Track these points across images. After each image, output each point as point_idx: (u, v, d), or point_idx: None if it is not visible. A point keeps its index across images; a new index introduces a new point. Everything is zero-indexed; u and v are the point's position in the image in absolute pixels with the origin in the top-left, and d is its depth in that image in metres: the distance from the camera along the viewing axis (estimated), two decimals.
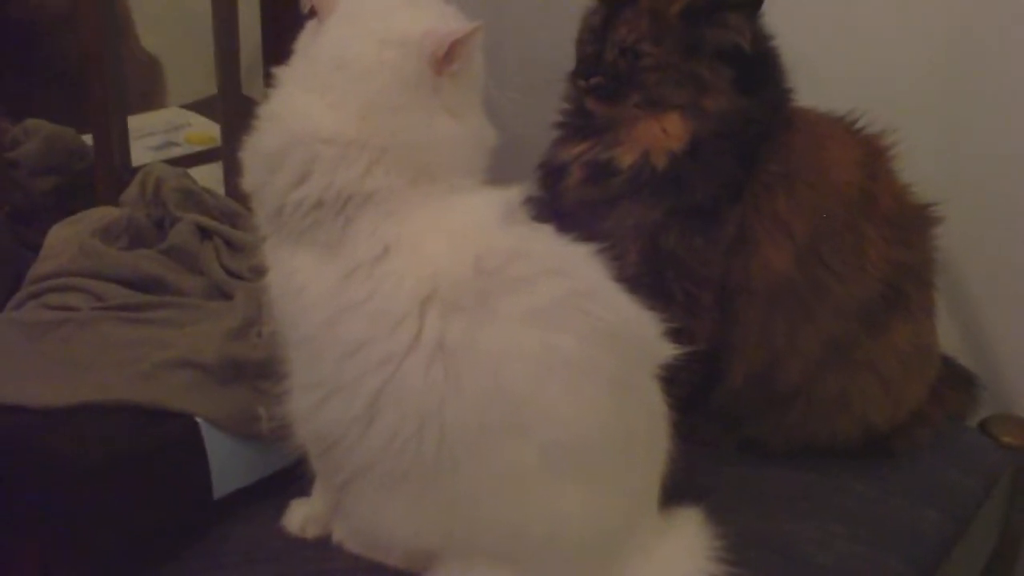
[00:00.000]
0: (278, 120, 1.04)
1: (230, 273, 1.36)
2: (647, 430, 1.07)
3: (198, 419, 1.16)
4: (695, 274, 1.29)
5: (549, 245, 1.05)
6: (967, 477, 1.39)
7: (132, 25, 2.16)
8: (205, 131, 2.11)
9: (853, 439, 1.36)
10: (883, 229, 1.31)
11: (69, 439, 1.12)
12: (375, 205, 1.02)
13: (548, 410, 0.99)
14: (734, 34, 1.26)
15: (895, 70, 1.62)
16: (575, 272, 1.03)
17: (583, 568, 1.06)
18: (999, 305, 1.61)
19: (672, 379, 1.09)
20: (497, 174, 1.08)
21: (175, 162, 1.68)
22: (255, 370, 1.19)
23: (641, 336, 1.06)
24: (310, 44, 1.06)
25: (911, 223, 1.35)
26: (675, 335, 1.08)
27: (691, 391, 1.26)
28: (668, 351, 1.07)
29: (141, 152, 1.95)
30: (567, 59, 1.36)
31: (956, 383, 1.51)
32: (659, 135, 1.29)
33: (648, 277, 1.26)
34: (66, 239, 1.36)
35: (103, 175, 1.62)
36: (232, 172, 1.33)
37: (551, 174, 1.37)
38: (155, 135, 2.11)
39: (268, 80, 1.10)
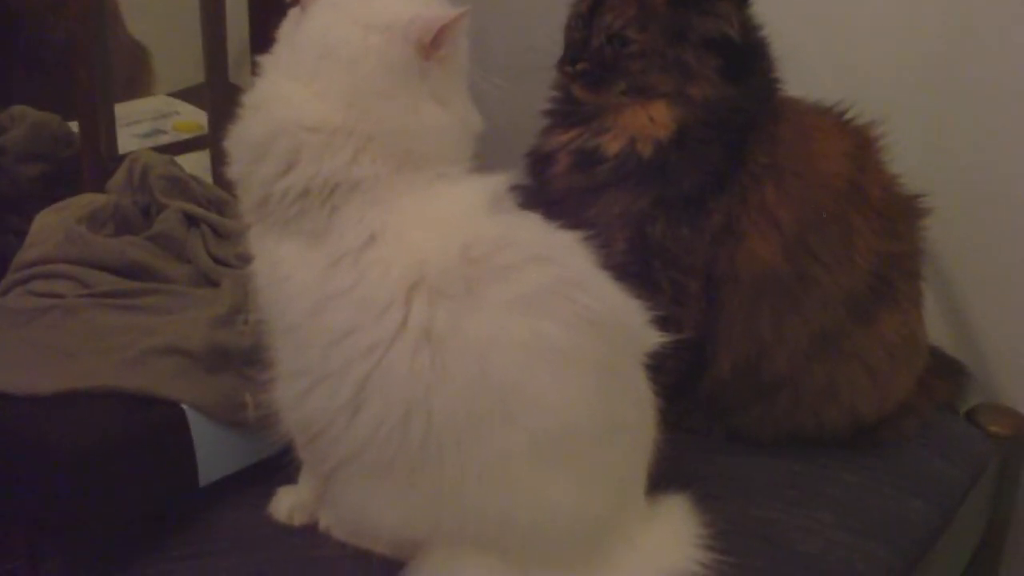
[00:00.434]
0: (263, 108, 1.04)
1: (217, 260, 1.36)
2: (634, 418, 1.07)
3: (184, 406, 1.16)
4: (681, 263, 1.29)
5: (536, 233, 1.05)
6: (954, 466, 1.40)
7: (119, 12, 2.15)
8: (193, 119, 2.11)
9: (841, 429, 1.36)
10: (871, 220, 1.31)
11: (55, 426, 1.11)
12: (361, 193, 1.01)
13: (535, 398, 0.99)
14: (722, 23, 1.26)
15: (883, 61, 1.62)
16: (562, 260, 1.03)
17: (570, 555, 1.06)
18: (986, 295, 1.62)
19: (659, 367, 1.09)
20: (485, 162, 1.08)
21: (162, 150, 1.67)
22: (242, 357, 1.19)
23: (628, 324, 1.06)
24: (293, 32, 1.06)
25: (899, 214, 1.35)
26: (662, 323, 1.08)
27: (678, 379, 1.26)
28: (655, 339, 1.07)
29: (128, 140, 1.94)
30: (556, 47, 1.35)
31: (943, 373, 1.51)
32: (645, 123, 1.29)
33: (635, 266, 1.26)
34: (52, 226, 1.35)
35: (89, 162, 1.62)
36: (219, 160, 1.32)
37: (539, 162, 1.37)
38: (142, 123, 2.11)
39: (255, 68, 1.09)
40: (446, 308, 0.99)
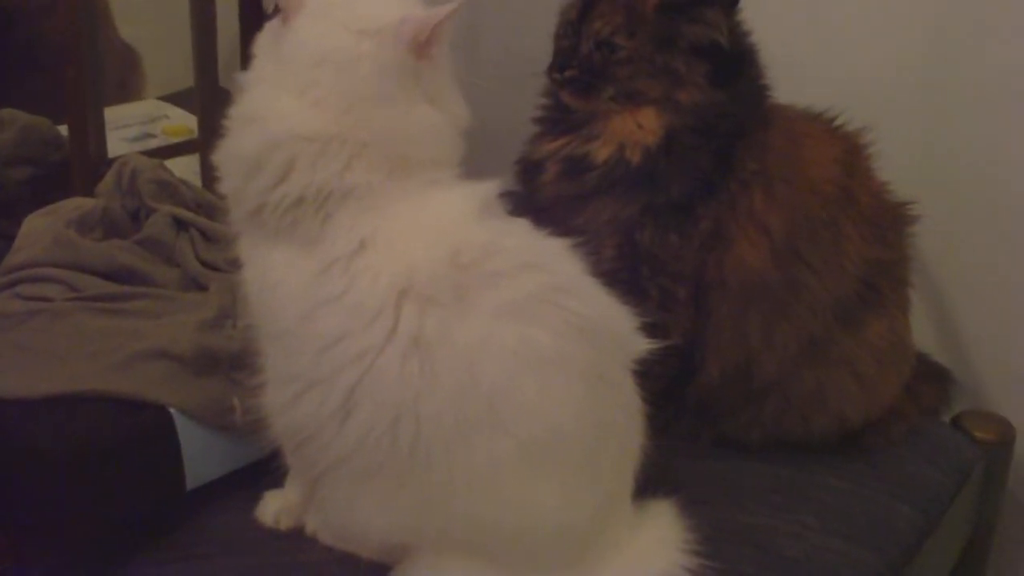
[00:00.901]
0: (256, 122, 1.03)
1: (205, 264, 1.36)
2: (621, 424, 1.08)
3: (172, 410, 1.16)
4: (670, 270, 1.29)
5: (525, 239, 1.05)
6: (940, 472, 1.40)
7: (110, 15, 2.15)
8: (182, 123, 2.11)
9: (829, 434, 1.36)
10: (861, 227, 1.31)
11: (42, 430, 1.11)
12: (355, 200, 1.01)
13: (523, 404, 0.99)
14: (711, 30, 1.26)
15: (872, 69, 1.62)
16: (551, 266, 1.03)
17: (556, 561, 1.06)
18: (973, 302, 1.62)
19: (647, 373, 1.09)
20: (476, 168, 1.08)
21: (152, 154, 1.67)
22: (230, 361, 1.19)
23: (616, 331, 1.06)
24: (276, 44, 1.05)
25: (888, 221, 1.35)
26: (650, 330, 1.08)
27: (666, 385, 1.26)
28: (643, 346, 1.07)
29: (117, 143, 1.94)
30: (547, 54, 1.36)
31: (930, 379, 1.52)
32: (633, 129, 1.29)
33: (623, 272, 1.26)
34: (41, 229, 1.35)
35: (79, 166, 1.62)
36: (208, 164, 1.33)
37: (528, 169, 1.37)
38: (132, 126, 2.10)
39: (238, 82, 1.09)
40: (435, 315, 0.99)
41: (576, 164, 1.32)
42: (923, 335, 1.51)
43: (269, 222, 1.03)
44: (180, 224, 1.40)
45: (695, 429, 1.37)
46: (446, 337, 0.98)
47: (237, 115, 1.06)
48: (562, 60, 1.32)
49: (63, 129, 1.65)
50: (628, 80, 1.28)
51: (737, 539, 1.20)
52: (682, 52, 1.27)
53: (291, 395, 1.04)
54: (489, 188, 1.05)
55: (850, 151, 1.35)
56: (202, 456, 1.17)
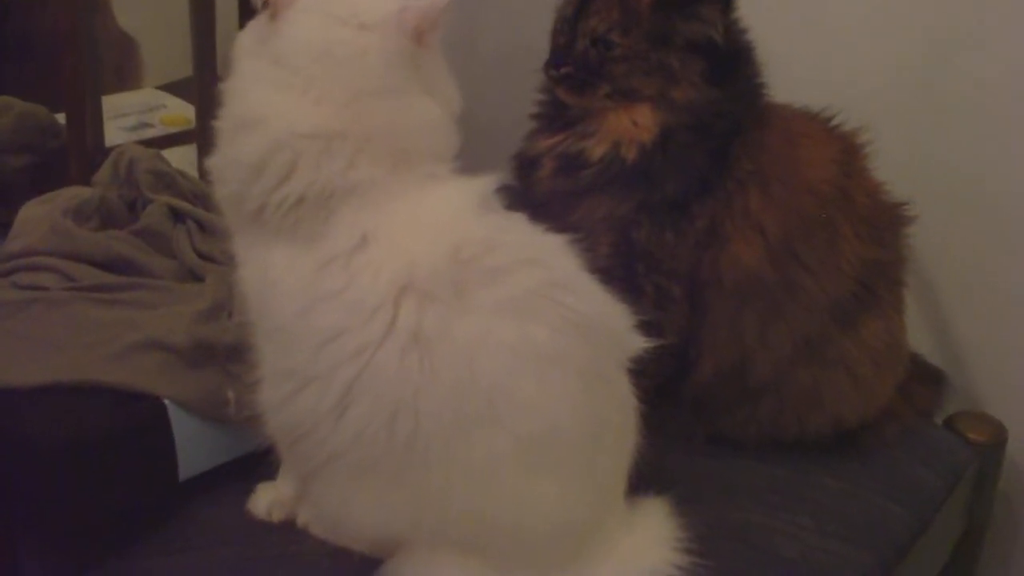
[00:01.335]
0: (254, 125, 1.01)
1: (202, 256, 1.36)
2: (617, 422, 1.08)
3: (166, 401, 1.15)
4: (665, 268, 1.29)
5: (524, 235, 1.05)
6: (933, 473, 1.40)
7: (108, 3, 2.15)
8: (180, 113, 2.11)
9: (823, 434, 1.36)
10: (858, 227, 1.31)
11: (36, 419, 1.11)
12: (357, 197, 1.00)
13: (521, 400, 0.99)
14: (707, 27, 1.26)
15: (869, 69, 1.63)
16: (550, 263, 1.03)
17: (550, 557, 1.07)
18: (967, 304, 1.63)
19: (642, 371, 1.09)
20: (473, 163, 1.07)
21: (149, 143, 1.67)
22: (225, 353, 1.19)
23: (613, 328, 1.06)
24: (265, 44, 1.03)
25: (885, 221, 1.35)
26: (645, 328, 1.08)
27: (661, 383, 1.26)
28: (639, 343, 1.07)
29: (115, 132, 1.94)
30: (545, 49, 1.35)
31: (924, 380, 1.52)
32: (629, 127, 1.29)
33: (619, 270, 1.26)
34: (37, 218, 1.35)
35: (76, 155, 1.61)
36: (206, 154, 1.32)
37: (524, 165, 1.37)
38: (130, 116, 2.10)
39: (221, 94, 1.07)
40: (435, 310, 0.98)
41: (572, 161, 1.32)
42: (917, 336, 1.51)
43: (270, 222, 1.02)
44: (177, 215, 1.40)
45: (690, 427, 1.37)
46: (445, 333, 0.98)
47: (232, 120, 1.04)
48: (558, 57, 1.32)
49: (60, 117, 1.65)
50: (623, 77, 1.28)
51: (731, 538, 1.20)
52: (678, 49, 1.27)
53: (288, 391, 1.03)
54: (487, 183, 1.05)
55: (847, 151, 1.35)
56: (195, 447, 1.17)
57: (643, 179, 1.28)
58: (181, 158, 1.69)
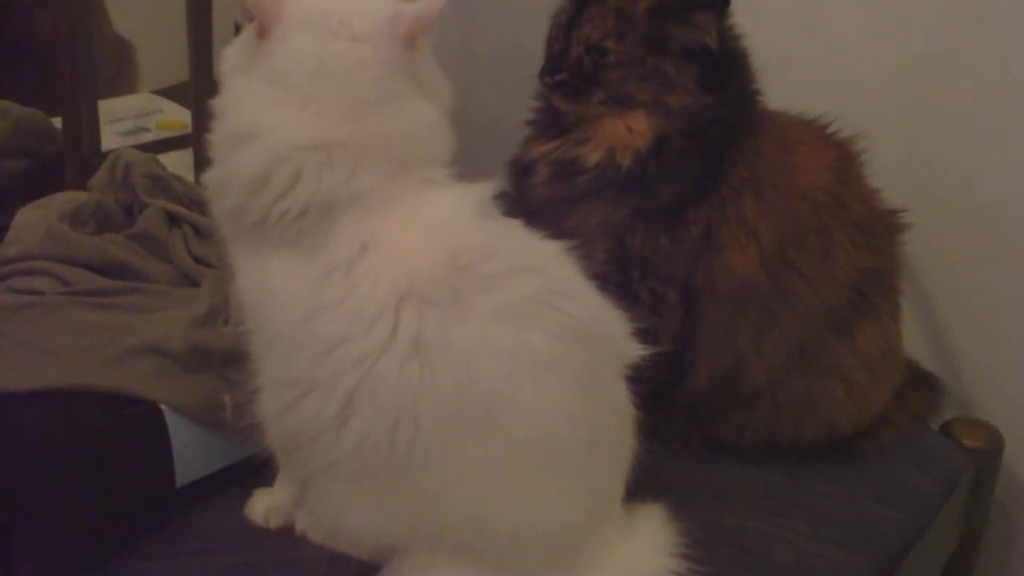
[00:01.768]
0: (254, 139, 1.01)
1: (198, 260, 1.36)
2: (614, 428, 1.08)
3: (162, 406, 1.15)
4: (660, 273, 1.29)
5: (522, 242, 1.05)
6: (928, 479, 1.40)
7: (104, 7, 2.15)
8: (177, 118, 2.11)
9: (819, 440, 1.36)
10: (853, 234, 1.31)
11: (32, 424, 1.11)
12: (359, 206, 1.00)
13: (519, 406, 0.99)
14: (701, 33, 1.26)
15: (864, 77, 1.63)
16: (547, 269, 1.03)
17: (546, 563, 1.06)
18: (963, 310, 1.63)
19: (637, 377, 1.09)
20: (470, 168, 1.07)
21: (145, 148, 1.67)
22: (221, 358, 1.19)
23: (610, 334, 1.06)
24: (255, 61, 1.02)
25: (880, 229, 1.35)
26: (641, 334, 1.08)
27: (656, 389, 1.26)
28: (637, 350, 1.07)
29: (111, 137, 1.94)
30: (540, 55, 1.36)
31: (920, 386, 1.52)
32: (624, 133, 1.29)
33: (614, 276, 1.26)
34: (33, 222, 1.35)
35: (72, 159, 1.61)
36: (203, 159, 1.32)
37: (520, 171, 1.37)
38: (126, 120, 2.10)
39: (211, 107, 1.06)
40: (434, 317, 0.98)
41: (567, 167, 1.33)
42: (913, 343, 1.52)
43: (272, 233, 1.01)
44: (173, 219, 1.40)
45: (685, 432, 1.37)
46: (444, 340, 0.98)
47: (226, 133, 1.03)
48: (553, 64, 1.32)
49: (57, 122, 1.65)
50: (618, 84, 1.28)
51: (727, 543, 1.21)
52: (672, 56, 1.27)
53: (289, 400, 1.03)
54: (485, 189, 1.05)
55: (843, 158, 1.35)
56: (192, 452, 1.17)
57: (638, 185, 1.28)
58: (178, 163, 1.69)
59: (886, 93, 1.61)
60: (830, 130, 1.37)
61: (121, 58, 2.23)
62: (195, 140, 1.72)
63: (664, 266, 1.29)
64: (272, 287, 1.02)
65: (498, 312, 0.99)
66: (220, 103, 1.05)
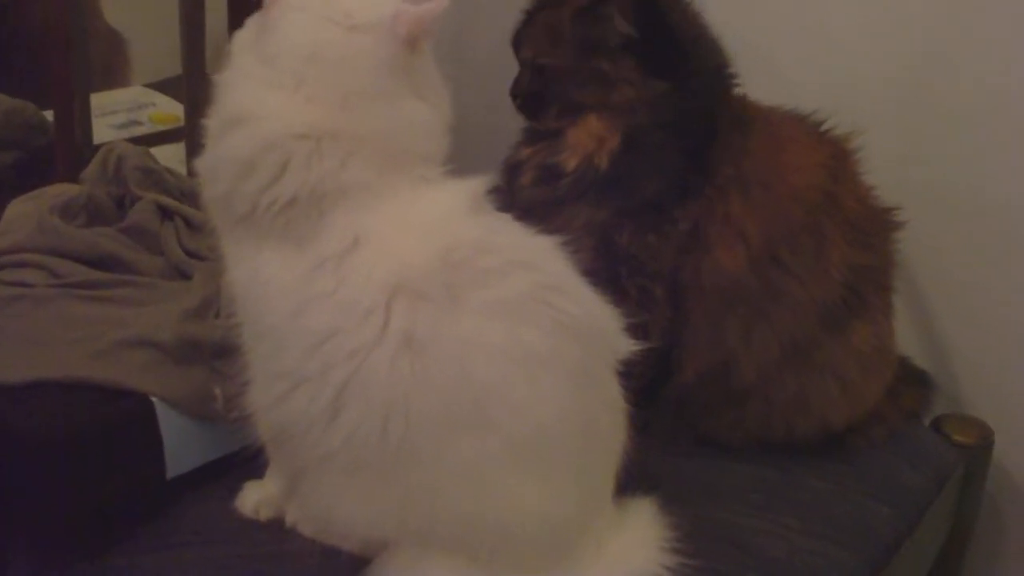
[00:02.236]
0: (245, 123, 1.01)
1: (189, 253, 1.36)
2: (606, 423, 1.08)
3: (153, 399, 1.15)
4: (648, 270, 1.29)
5: (515, 237, 1.05)
6: (920, 474, 1.41)
7: (97, 0, 2.14)
8: (169, 111, 2.11)
9: (810, 437, 1.36)
10: (846, 232, 1.31)
11: (22, 416, 1.11)
12: (350, 198, 1.00)
13: (511, 402, 0.99)
14: (616, 25, 1.27)
15: (860, 74, 1.63)
16: (541, 265, 1.03)
17: (537, 558, 1.06)
18: (955, 307, 1.63)
19: (628, 373, 1.09)
20: (463, 168, 1.07)
21: (138, 141, 1.67)
22: (212, 350, 1.18)
23: (603, 330, 1.06)
24: (259, 41, 1.03)
25: (874, 226, 1.35)
26: (631, 330, 1.08)
27: (646, 385, 1.26)
28: (629, 346, 1.07)
29: (103, 130, 1.94)
30: None
31: (911, 382, 1.52)
32: (588, 139, 1.30)
33: (602, 273, 1.26)
34: (24, 215, 1.34)
35: (64, 152, 1.61)
36: (195, 152, 1.32)
37: (510, 171, 1.38)
38: (118, 113, 2.10)
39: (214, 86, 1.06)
40: (427, 312, 0.98)
41: (549, 172, 1.34)
42: (904, 339, 1.52)
43: (261, 223, 1.01)
44: (165, 212, 1.40)
45: (675, 429, 1.37)
46: (437, 335, 0.98)
47: (221, 117, 1.03)
48: (512, 89, 1.36)
49: (48, 114, 1.64)
50: (563, 95, 1.31)
51: (716, 538, 1.20)
52: (606, 54, 1.28)
53: (279, 392, 1.03)
54: (479, 185, 1.05)
55: (836, 156, 1.34)
56: (183, 445, 1.17)
57: (618, 185, 1.29)
58: (170, 156, 1.70)
59: (883, 91, 1.61)
60: (825, 127, 1.36)
61: (113, 51, 2.23)
62: (188, 133, 1.72)
63: (651, 263, 1.29)
64: (263, 278, 1.02)
65: (491, 307, 0.99)
66: (221, 81, 1.05)
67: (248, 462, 1.14)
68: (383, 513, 1.03)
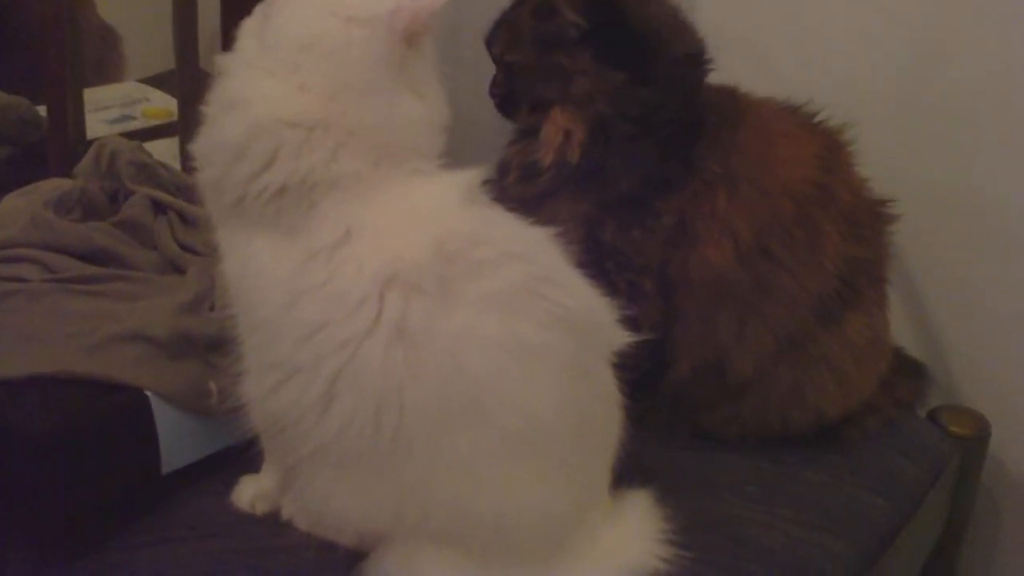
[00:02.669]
0: (239, 107, 1.01)
1: (183, 247, 1.36)
2: (601, 416, 1.08)
3: (148, 393, 1.15)
4: (635, 264, 1.29)
5: (509, 229, 1.05)
6: (915, 465, 1.41)
7: None
8: (162, 106, 2.11)
9: (805, 429, 1.36)
10: (840, 224, 1.31)
11: (16, 411, 1.10)
12: (340, 190, 1.00)
13: (505, 394, 0.99)
14: (563, 16, 1.27)
15: (855, 66, 1.63)
16: (535, 257, 1.03)
17: (532, 551, 1.06)
18: (950, 298, 1.63)
19: (623, 365, 1.09)
20: (461, 159, 1.07)
21: (131, 136, 1.66)
22: (207, 345, 1.18)
23: (598, 322, 1.06)
24: (261, 27, 1.04)
25: (868, 219, 1.35)
26: (624, 324, 1.08)
27: (640, 378, 1.25)
28: (624, 338, 1.07)
29: (97, 125, 1.93)
30: None
31: (906, 374, 1.52)
32: (556, 133, 1.31)
33: (591, 267, 1.26)
34: (18, 210, 1.34)
35: (57, 147, 1.61)
36: (188, 147, 1.32)
37: (499, 171, 1.38)
38: (112, 108, 2.10)
39: (217, 67, 1.07)
40: (420, 304, 0.98)
41: (529, 169, 1.34)
42: (900, 330, 1.52)
43: (251, 211, 1.01)
44: (158, 207, 1.40)
45: (671, 423, 1.37)
46: (430, 327, 0.98)
47: (218, 100, 1.04)
48: (489, 88, 1.37)
49: (42, 110, 1.64)
50: (528, 91, 1.33)
51: (713, 530, 1.20)
52: (566, 47, 1.29)
53: (272, 383, 1.03)
54: (473, 177, 1.05)
55: (829, 147, 1.34)
56: (178, 440, 1.17)
57: (593, 178, 1.29)
58: (164, 151, 1.69)
59: (877, 83, 1.61)
60: (818, 119, 1.36)
61: (107, 46, 2.23)
62: (181, 128, 1.72)
63: (637, 257, 1.29)
64: (255, 268, 1.02)
65: (485, 300, 0.99)
66: (222, 65, 1.05)
67: (244, 456, 1.14)
68: (378, 507, 1.03)
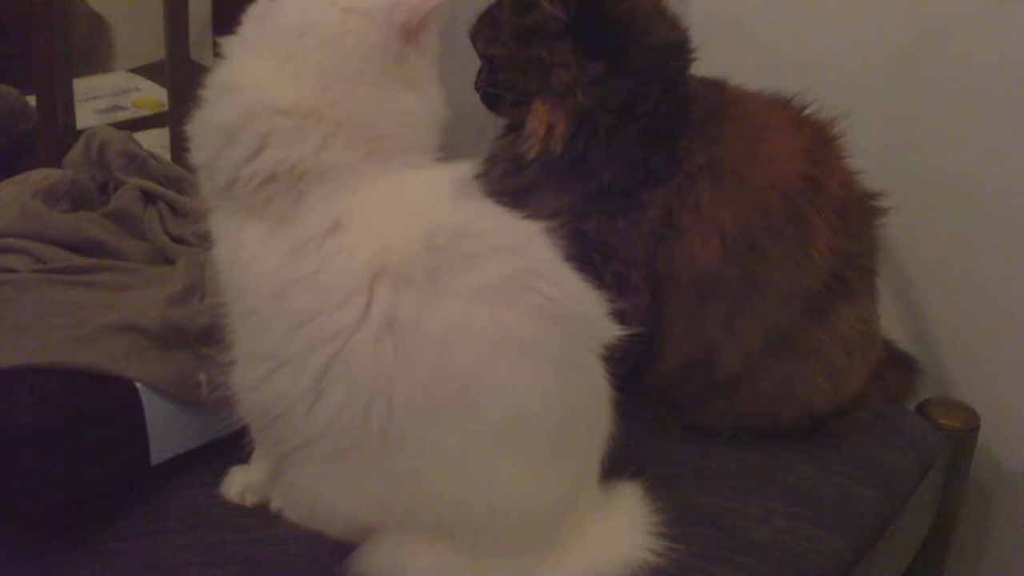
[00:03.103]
0: (233, 90, 1.02)
1: (173, 238, 1.35)
2: (590, 409, 1.08)
3: (137, 384, 1.15)
4: (621, 256, 1.29)
5: (500, 221, 1.05)
6: (905, 458, 1.41)
7: None
8: (153, 96, 2.10)
9: (796, 423, 1.36)
10: (829, 218, 1.30)
11: (6, 401, 1.10)
12: (330, 180, 1.00)
13: (495, 387, 0.99)
14: (539, 10, 1.28)
15: (845, 58, 1.63)
16: (525, 249, 1.03)
17: (522, 543, 1.07)
18: (940, 291, 1.63)
19: (612, 357, 1.09)
20: (460, 154, 1.07)
21: (121, 126, 1.66)
22: (197, 335, 1.18)
23: (588, 315, 1.06)
24: (264, 12, 1.04)
25: (857, 213, 1.35)
26: (613, 316, 1.08)
27: (631, 370, 1.26)
28: (613, 331, 1.07)
29: (87, 115, 1.93)
30: None
31: (896, 366, 1.52)
32: (539, 125, 1.30)
33: (577, 260, 1.26)
34: (7, 200, 1.34)
35: (47, 136, 1.60)
36: (179, 137, 1.32)
37: (488, 161, 1.38)
38: (102, 98, 2.09)
39: (217, 46, 1.07)
40: (410, 296, 0.98)
41: (515, 162, 1.34)
42: (889, 323, 1.52)
43: (241, 197, 1.01)
44: (149, 197, 1.39)
45: (661, 417, 1.37)
46: (420, 319, 0.98)
47: (215, 82, 1.04)
48: (475, 83, 1.37)
49: (32, 99, 1.64)
50: (510, 84, 1.32)
51: (703, 522, 1.21)
52: (546, 40, 1.28)
53: (261, 373, 1.03)
54: (464, 170, 1.05)
55: (818, 141, 1.33)
56: (167, 431, 1.17)
57: (576, 170, 1.29)
58: (153, 141, 1.69)
59: (865, 76, 1.61)
60: (807, 112, 1.35)
61: (97, 36, 2.22)
62: (171, 119, 1.71)
63: (623, 249, 1.29)
64: (246, 257, 1.02)
65: (475, 292, 0.98)
66: (224, 48, 1.05)
67: (233, 448, 1.14)
68: (367, 499, 1.04)
